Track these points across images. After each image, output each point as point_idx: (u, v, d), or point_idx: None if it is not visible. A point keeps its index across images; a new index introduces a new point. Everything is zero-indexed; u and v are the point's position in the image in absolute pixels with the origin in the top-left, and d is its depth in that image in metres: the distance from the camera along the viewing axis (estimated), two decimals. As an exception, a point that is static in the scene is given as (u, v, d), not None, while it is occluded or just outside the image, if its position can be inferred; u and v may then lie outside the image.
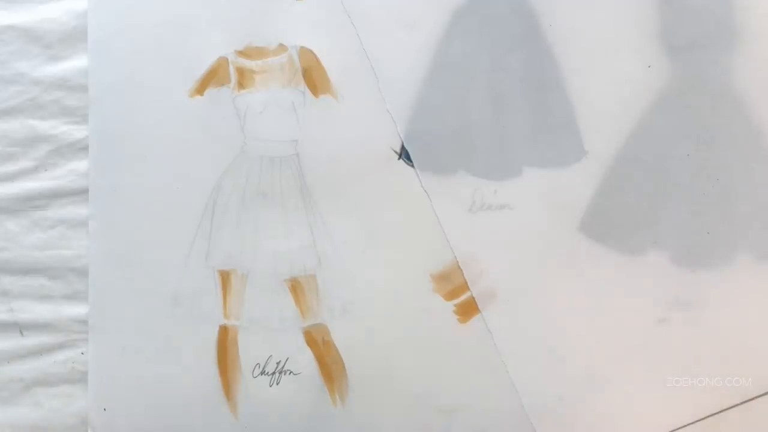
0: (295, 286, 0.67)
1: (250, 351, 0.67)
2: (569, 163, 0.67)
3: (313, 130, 0.68)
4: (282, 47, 0.69)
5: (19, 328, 0.68)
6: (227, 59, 0.69)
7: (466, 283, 0.67)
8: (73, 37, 0.69)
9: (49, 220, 0.68)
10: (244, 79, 0.68)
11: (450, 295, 0.67)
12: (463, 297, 0.67)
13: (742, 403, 0.66)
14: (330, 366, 0.67)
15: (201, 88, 0.68)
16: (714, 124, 0.66)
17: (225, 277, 0.67)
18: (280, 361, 0.67)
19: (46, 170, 0.69)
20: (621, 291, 0.66)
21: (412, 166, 0.67)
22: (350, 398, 0.67)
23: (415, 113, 0.67)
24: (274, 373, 0.67)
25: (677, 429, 0.65)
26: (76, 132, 0.69)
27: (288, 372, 0.67)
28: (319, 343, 0.67)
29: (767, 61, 0.66)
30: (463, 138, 0.67)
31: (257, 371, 0.67)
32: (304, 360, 0.67)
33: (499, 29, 0.67)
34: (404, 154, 0.67)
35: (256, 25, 0.69)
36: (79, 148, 0.69)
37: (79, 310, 0.68)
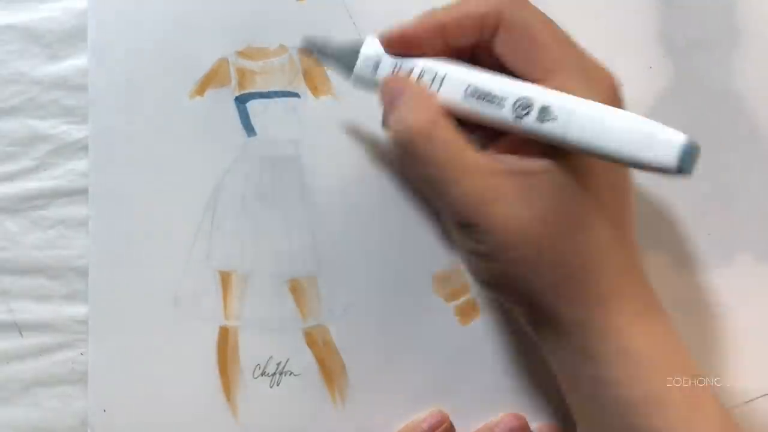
0: (296, 287, 0.67)
1: (250, 352, 0.67)
2: (570, 164, 0.67)
3: (313, 131, 0.68)
4: (282, 48, 0.69)
5: (18, 328, 0.67)
6: (228, 60, 0.68)
7: (467, 284, 0.67)
8: (72, 37, 0.69)
9: (49, 220, 0.68)
10: (244, 79, 0.68)
11: (450, 297, 0.67)
12: (464, 298, 0.67)
13: (741, 403, 0.66)
14: (330, 367, 0.67)
15: (201, 88, 0.68)
16: (714, 124, 0.66)
17: (225, 277, 0.67)
18: (280, 362, 0.67)
19: (45, 170, 0.68)
20: (621, 291, 0.66)
21: (413, 166, 0.66)
22: (350, 398, 0.66)
23: (415, 113, 0.67)
24: (274, 374, 0.67)
25: (678, 429, 0.65)
26: (76, 132, 0.68)
27: (288, 373, 0.67)
28: (319, 343, 0.67)
29: (767, 61, 0.66)
30: (463, 138, 0.67)
31: (257, 372, 0.67)
32: (305, 361, 0.67)
33: (500, 29, 0.67)
34: (405, 155, 0.67)
35: (256, 25, 0.68)
36: (79, 147, 0.68)
37: (78, 310, 0.67)
